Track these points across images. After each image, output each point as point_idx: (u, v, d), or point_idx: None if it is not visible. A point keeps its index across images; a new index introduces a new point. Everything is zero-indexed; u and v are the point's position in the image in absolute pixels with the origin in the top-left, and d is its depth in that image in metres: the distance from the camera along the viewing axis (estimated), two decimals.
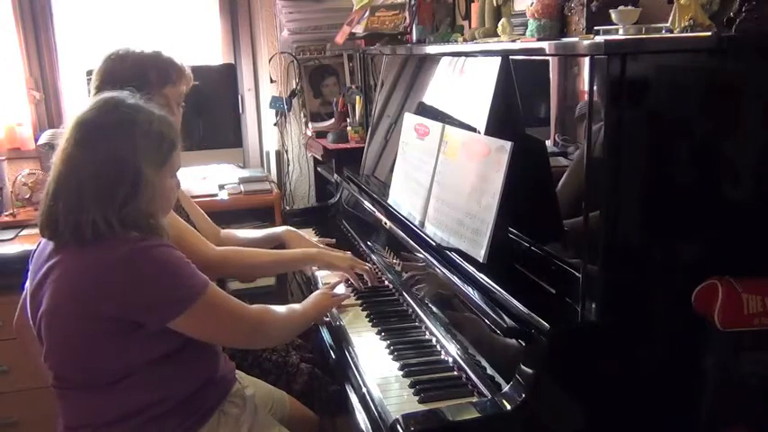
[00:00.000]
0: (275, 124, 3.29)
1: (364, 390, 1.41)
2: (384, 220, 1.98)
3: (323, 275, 2.07)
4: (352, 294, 1.85)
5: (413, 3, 2.30)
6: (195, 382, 1.44)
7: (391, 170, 1.99)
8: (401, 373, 1.43)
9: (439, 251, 1.59)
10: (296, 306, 1.67)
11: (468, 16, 2.27)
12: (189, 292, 1.34)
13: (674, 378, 1.22)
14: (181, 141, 1.46)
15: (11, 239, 2.70)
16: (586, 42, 1.19)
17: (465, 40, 1.98)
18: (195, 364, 1.44)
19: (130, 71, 1.68)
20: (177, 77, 1.74)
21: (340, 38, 2.62)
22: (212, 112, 3.13)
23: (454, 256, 1.52)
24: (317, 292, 1.77)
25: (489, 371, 1.31)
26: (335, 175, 2.66)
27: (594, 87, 1.16)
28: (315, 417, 1.87)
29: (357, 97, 2.80)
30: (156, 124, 1.40)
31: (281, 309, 1.60)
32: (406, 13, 2.45)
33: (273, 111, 3.24)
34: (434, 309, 1.61)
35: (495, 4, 1.85)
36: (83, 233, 1.31)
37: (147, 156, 1.36)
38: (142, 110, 1.40)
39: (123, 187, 1.33)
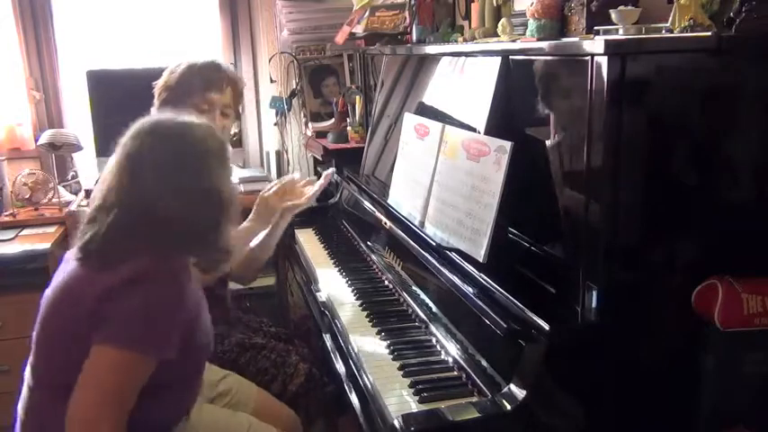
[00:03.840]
0: (275, 124, 3.29)
1: (364, 389, 1.41)
2: (384, 220, 1.98)
3: (322, 274, 2.07)
4: None
5: (413, 3, 2.30)
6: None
7: (391, 170, 1.99)
8: (401, 373, 1.43)
9: (439, 251, 1.59)
10: None
11: (468, 16, 2.27)
12: (125, 336, 1.25)
13: (673, 378, 1.22)
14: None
15: (11, 239, 2.70)
16: (586, 42, 1.20)
17: (465, 40, 1.98)
18: (165, 402, 1.38)
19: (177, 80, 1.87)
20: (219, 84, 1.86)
21: (340, 38, 2.63)
22: None
23: (454, 256, 1.52)
24: None
25: (489, 371, 1.31)
26: (336, 175, 2.66)
27: (594, 87, 1.15)
28: (292, 413, 1.83)
29: (357, 97, 2.80)
30: (215, 136, 1.40)
31: None
32: (406, 13, 2.45)
33: (273, 111, 3.24)
34: (434, 309, 1.61)
35: (495, 4, 1.85)
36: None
37: (225, 173, 1.38)
38: (196, 126, 1.38)
39: (215, 217, 1.35)
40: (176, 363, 1.30)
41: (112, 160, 1.36)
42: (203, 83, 1.87)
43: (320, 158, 2.90)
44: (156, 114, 1.42)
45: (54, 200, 2.91)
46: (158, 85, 1.90)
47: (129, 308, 1.26)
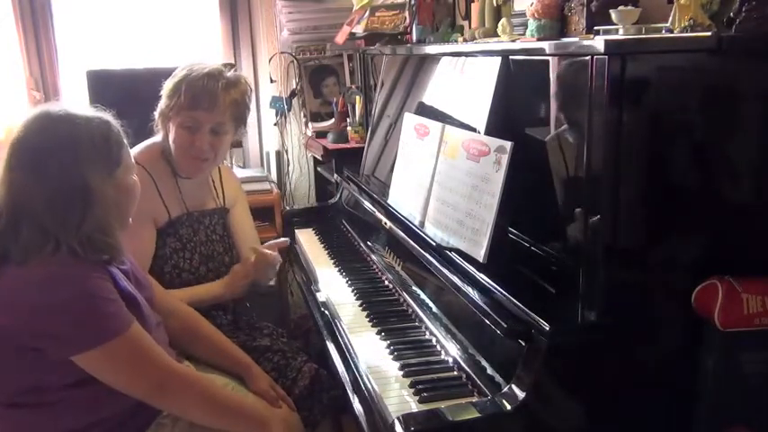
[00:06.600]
0: (275, 124, 3.29)
1: (364, 390, 1.41)
2: (384, 220, 1.98)
3: (322, 274, 2.07)
4: None
5: (413, 3, 2.30)
6: (126, 402, 1.38)
7: (391, 170, 1.99)
8: (401, 373, 1.43)
9: (439, 251, 1.59)
10: (240, 398, 1.56)
11: (468, 16, 2.27)
12: (94, 335, 1.28)
13: (673, 378, 1.22)
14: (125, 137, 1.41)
15: None
16: (586, 42, 1.20)
17: (465, 40, 1.98)
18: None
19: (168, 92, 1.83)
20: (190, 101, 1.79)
21: (340, 38, 2.63)
22: None
23: (454, 256, 1.52)
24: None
25: (489, 371, 1.31)
26: (335, 175, 2.66)
27: (594, 87, 1.16)
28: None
29: (357, 97, 2.80)
30: (96, 128, 1.35)
31: (213, 388, 1.49)
32: (406, 13, 2.45)
33: (273, 111, 3.24)
34: (434, 309, 1.61)
35: (495, 4, 1.85)
36: (34, 254, 1.28)
37: (95, 166, 1.32)
38: (77, 117, 1.34)
39: (75, 208, 1.30)
40: None
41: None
42: (190, 100, 1.80)
43: (320, 158, 2.90)
44: (47, 105, 1.39)
45: None
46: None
47: (68, 314, 1.28)
